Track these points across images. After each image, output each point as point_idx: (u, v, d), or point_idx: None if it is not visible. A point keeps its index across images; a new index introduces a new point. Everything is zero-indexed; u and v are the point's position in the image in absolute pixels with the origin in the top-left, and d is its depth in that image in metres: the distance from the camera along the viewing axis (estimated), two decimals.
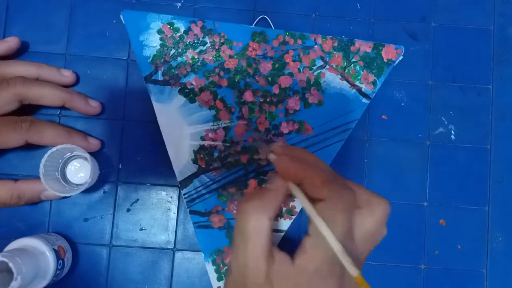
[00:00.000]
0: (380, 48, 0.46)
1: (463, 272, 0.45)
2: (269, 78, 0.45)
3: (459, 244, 0.45)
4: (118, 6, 0.46)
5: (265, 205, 0.30)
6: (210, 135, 0.44)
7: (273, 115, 0.45)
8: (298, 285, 0.29)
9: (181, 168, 0.44)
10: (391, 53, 0.46)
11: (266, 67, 0.45)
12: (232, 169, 0.44)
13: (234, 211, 0.44)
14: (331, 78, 0.46)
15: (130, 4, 0.46)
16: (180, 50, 0.45)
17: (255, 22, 0.47)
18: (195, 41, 0.45)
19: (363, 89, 0.46)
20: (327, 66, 0.46)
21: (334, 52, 0.46)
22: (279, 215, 0.45)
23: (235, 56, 0.46)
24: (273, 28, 0.46)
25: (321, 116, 0.45)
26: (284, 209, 0.44)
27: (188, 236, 0.45)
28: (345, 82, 0.46)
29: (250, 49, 0.46)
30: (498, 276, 0.45)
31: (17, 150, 0.42)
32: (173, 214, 0.45)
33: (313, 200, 0.30)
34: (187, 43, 0.45)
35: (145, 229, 0.44)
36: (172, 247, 0.45)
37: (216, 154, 0.44)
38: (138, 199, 0.45)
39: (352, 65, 0.46)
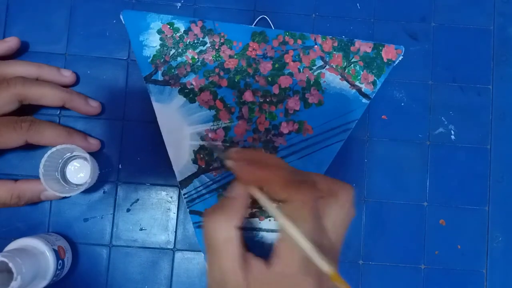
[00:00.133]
0: (380, 48, 0.46)
1: (463, 272, 0.45)
2: (269, 78, 0.45)
3: (459, 244, 0.45)
4: (118, 6, 0.46)
5: (228, 215, 0.30)
6: (210, 135, 0.45)
7: (273, 115, 0.45)
8: None
9: (181, 168, 0.44)
10: (391, 53, 0.46)
11: (266, 67, 0.45)
12: None
13: None
14: (331, 78, 0.46)
15: (130, 4, 0.46)
16: (180, 50, 0.45)
17: (255, 22, 0.46)
18: (195, 41, 0.45)
19: (363, 89, 0.46)
20: (327, 66, 0.46)
21: (334, 52, 0.46)
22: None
23: (235, 56, 0.46)
24: (273, 28, 0.46)
25: (321, 116, 0.45)
26: None
27: (188, 236, 0.45)
28: (345, 82, 0.46)
29: (250, 49, 0.46)
30: (498, 276, 0.45)
31: (17, 150, 0.42)
32: (173, 214, 0.45)
33: (277, 202, 0.29)
34: (187, 43, 0.45)
35: (145, 229, 0.44)
36: (172, 247, 0.45)
37: (216, 154, 0.44)
38: (138, 199, 0.45)
39: (352, 65, 0.46)
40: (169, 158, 0.44)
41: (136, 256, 0.44)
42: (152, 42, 0.45)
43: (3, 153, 0.44)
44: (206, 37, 0.46)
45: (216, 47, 0.46)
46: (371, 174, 0.46)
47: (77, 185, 0.43)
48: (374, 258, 0.45)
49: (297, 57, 0.46)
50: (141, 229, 0.45)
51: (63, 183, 0.42)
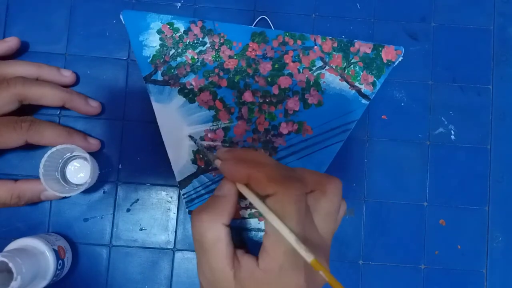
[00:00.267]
0: (380, 49, 0.46)
1: (463, 272, 0.45)
2: (269, 79, 0.45)
3: (459, 244, 0.45)
4: (118, 6, 0.46)
5: (217, 213, 0.30)
6: (209, 135, 0.45)
7: (272, 116, 0.45)
8: (267, 285, 0.29)
9: (180, 168, 0.44)
10: (390, 54, 0.46)
11: (265, 67, 0.45)
12: None
13: None
14: (331, 79, 0.46)
15: (130, 4, 0.47)
16: (179, 50, 0.45)
17: (255, 22, 0.46)
18: (195, 41, 0.45)
19: (362, 90, 0.45)
20: (327, 67, 0.46)
21: (334, 52, 0.46)
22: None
23: (235, 57, 0.46)
24: (273, 28, 0.46)
25: (320, 116, 0.45)
26: None
27: (188, 236, 0.45)
28: (344, 82, 0.46)
29: (249, 49, 0.46)
30: (498, 276, 0.45)
31: (17, 150, 0.42)
32: (173, 214, 0.45)
33: (264, 198, 0.30)
34: (187, 43, 0.45)
35: (145, 229, 0.45)
36: (172, 247, 0.45)
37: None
38: (138, 199, 0.45)
39: (352, 65, 0.46)
40: (169, 158, 0.44)
41: (136, 256, 0.44)
42: (152, 42, 0.45)
43: (3, 153, 0.44)
44: (206, 37, 0.46)
45: (216, 47, 0.46)
46: (371, 174, 0.46)
47: (77, 185, 0.43)
48: (374, 258, 0.45)
49: (296, 57, 0.46)
50: (141, 229, 0.45)
51: (63, 183, 0.42)
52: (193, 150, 0.44)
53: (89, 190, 0.44)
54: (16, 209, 0.44)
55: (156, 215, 0.45)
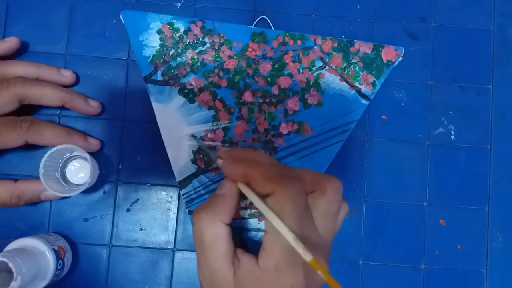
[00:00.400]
0: (380, 49, 0.46)
1: (463, 272, 0.45)
2: (269, 79, 0.45)
3: (459, 244, 0.45)
4: (118, 6, 0.46)
5: (217, 212, 0.30)
6: (209, 135, 0.45)
7: (272, 116, 0.45)
8: (266, 285, 0.29)
9: (180, 168, 0.44)
10: (390, 54, 0.46)
11: (265, 67, 0.45)
12: None
13: None
14: (331, 79, 0.46)
15: (130, 4, 0.47)
16: (179, 50, 0.45)
17: (255, 22, 0.46)
18: (195, 42, 0.45)
19: (362, 90, 0.45)
20: (327, 67, 0.46)
21: (334, 53, 0.46)
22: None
23: (235, 57, 0.46)
24: (273, 28, 0.46)
25: (320, 116, 0.45)
26: None
27: (188, 236, 0.45)
28: (344, 83, 0.45)
29: (249, 49, 0.46)
30: (498, 276, 0.45)
31: (17, 150, 0.42)
32: (173, 214, 0.45)
33: (263, 197, 0.30)
34: (187, 43, 0.45)
35: (145, 229, 0.45)
36: (172, 247, 0.45)
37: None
38: (138, 199, 0.45)
39: (352, 66, 0.46)
40: (169, 158, 0.44)
41: (136, 256, 0.44)
42: (152, 42, 0.45)
43: (3, 153, 0.44)
44: (206, 37, 0.46)
45: (216, 48, 0.46)
46: (371, 174, 0.46)
47: (77, 185, 0.43)
48: (374, 258, 0.45)
49: (296, 57, 0.46)
50: (141, 229, 0.45)
51: (63, 183, 0.42)
52: (193, 150, 0.44)
53: (89, 190, 0.44)
54: (16, 209, 0.44)
55: (156, 215, 0.45)
